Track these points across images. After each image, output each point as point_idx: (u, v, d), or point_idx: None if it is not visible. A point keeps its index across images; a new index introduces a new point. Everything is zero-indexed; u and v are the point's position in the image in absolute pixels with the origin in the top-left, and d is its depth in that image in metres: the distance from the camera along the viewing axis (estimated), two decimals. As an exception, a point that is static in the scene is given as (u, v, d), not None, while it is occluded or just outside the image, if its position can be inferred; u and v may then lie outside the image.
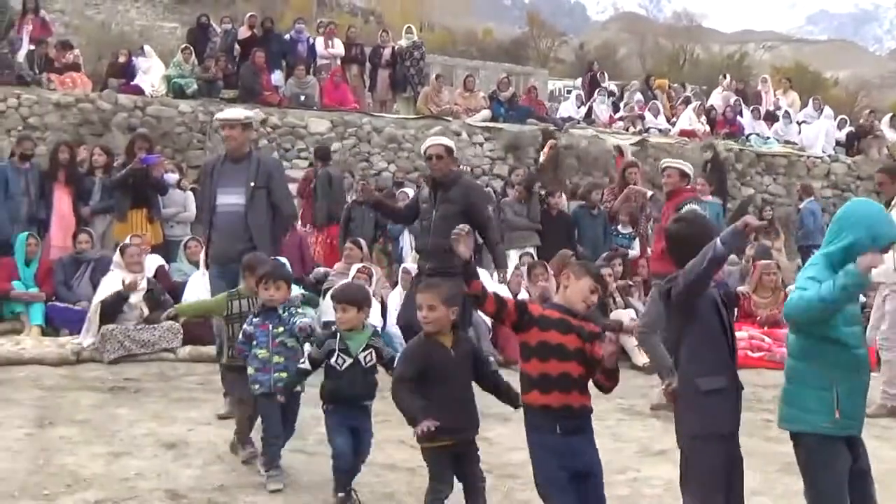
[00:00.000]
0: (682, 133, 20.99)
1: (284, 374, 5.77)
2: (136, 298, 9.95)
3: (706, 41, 64.17)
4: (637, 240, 13.81)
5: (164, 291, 10.41)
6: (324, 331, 5.77)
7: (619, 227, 13.78)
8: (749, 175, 20.32)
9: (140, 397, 8.13)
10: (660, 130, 21.28)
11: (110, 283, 10.00)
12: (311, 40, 19.81)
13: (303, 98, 18.08)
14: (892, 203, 8.88)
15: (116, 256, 10.30)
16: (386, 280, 11.86)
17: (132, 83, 17.37)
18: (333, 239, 13.70)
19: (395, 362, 5.08)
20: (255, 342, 5.86)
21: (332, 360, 5.38)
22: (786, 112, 22.58)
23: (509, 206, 14.22)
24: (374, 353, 5.45)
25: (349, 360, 5.38)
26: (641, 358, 10.77)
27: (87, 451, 6.39)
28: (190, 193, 13.16)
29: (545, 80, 30.42)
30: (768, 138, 21.59)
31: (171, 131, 16.34)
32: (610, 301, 11.62)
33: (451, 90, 20.51)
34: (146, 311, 9.97)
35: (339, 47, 19.52)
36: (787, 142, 21.82)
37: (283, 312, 5.91)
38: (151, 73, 17.74)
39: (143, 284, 10.05)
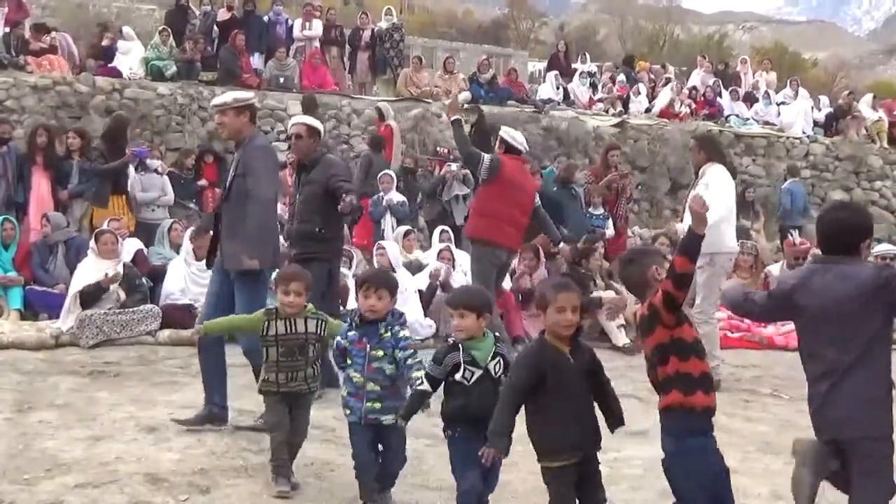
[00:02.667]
0: (663, 114, 21.02)
1: (378, 405, 5.01)
2: (114, 284, 9.92)
3: (686, 22, 64.33)
4: (610, 220, 13.87)
5: (141, 276, 10.38)
6: (441, 344, 5.11)
7: (591, 209, 13.80)
8: (728, 156, 20.36)
9: (120, 381, 8.10)
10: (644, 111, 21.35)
11: (86, 271, 9.95)
12: (290, 22, 19.72)
13: (282, 80, 18.02)
14: (699, 173, 9.11)
15: (92, 242, 10.25)
16: (367, 263, 11.86)
17: (110, 65, 17.25)
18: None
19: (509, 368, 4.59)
20: (350, 361, 5.09)
21: (459, 375, 4.65)
22: (765, 93, 22.65)
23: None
24: (501, 362, 4.73)
25: (478, 373, 4.66)
26: (622, 339, 10.84)
27: (66, 435, 6.37)
28: (166, 178, 13.12)
29: (525, 62, 30.43)
30: (748, 119, 21.66)
31: (149, 114, 16.25)
32: (591, 284, 11.66)
33: (430, 72, 20.48)
34: (122, 296, 9.94)
35: (317, 28, 19.42)
36: (766, 123, 21.89)
37: (385, 332, 5.06)
38: (130, 56, 17.62)
39: (119, 269, 10.01)
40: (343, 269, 10.71)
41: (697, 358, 4.25)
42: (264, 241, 6.58)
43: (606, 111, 20.86)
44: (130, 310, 9.78)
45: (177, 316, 9.80)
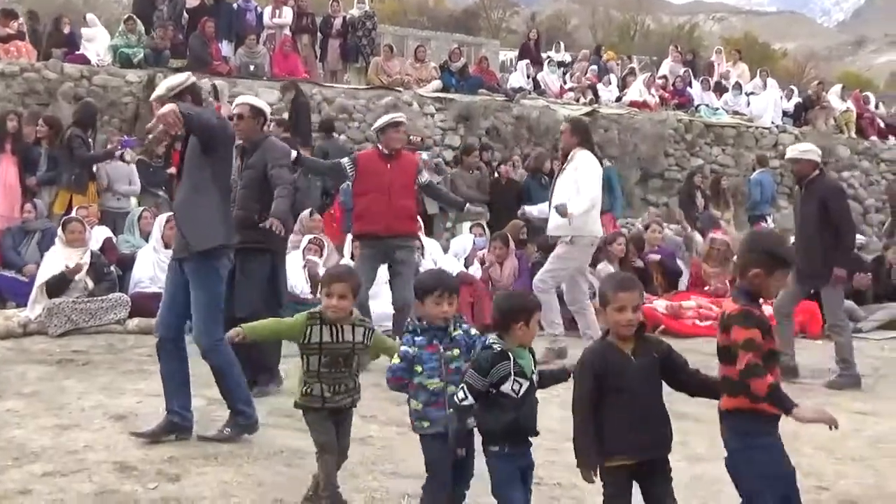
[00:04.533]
0: (633, 104, 21.08)
1: None
2: (79, 274, 9.86)
3: (657, 12, 64.55)
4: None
5: (110, 264, 10.32)
6: (484, 352, 4.41)
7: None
8: (698, 146, 20.46)
9: (88, 370, 8.06)
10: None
11: (53, 259, 9.89)
12: (260, 9, 19.62)
13: (252, 68, 17.92)
14: (569, 156, 9.19)
15: (59, 231, 10.18)
16: (337, 253, 11.84)
17: (78, 52, 17.10)
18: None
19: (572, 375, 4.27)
20: (421, 369, 4.54)
21: (507, 387, 4.28)
22: (736, 83, 22.75)
23: (459, 177, 14.26)
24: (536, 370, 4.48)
25: (526, 384, 4.32)
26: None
27: (34, 423, 6.33)
28: (134, 166, 13.05)
29: (496, 51, 30.34)
30: (717, 109, 21.75)
31: (117, 101, 16.12)
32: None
33: (402, 60, 20.43)
34: (90, 285, 9.89)
35: (287, 16, 19.33)
36: (735, 113, 21.99)
37: (454, 330, 4.64)
38: (97, 43, 17.47)
39: (87, 259, 9.94)
40: (313, 258, 10.71)
41: (774, 367, 4.11)
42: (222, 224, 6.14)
43: (577, 100, 20.89)
44: (99, 298, 9.74)
45: (146, 304, 9.75)
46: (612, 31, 52.08)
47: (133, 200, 12.99)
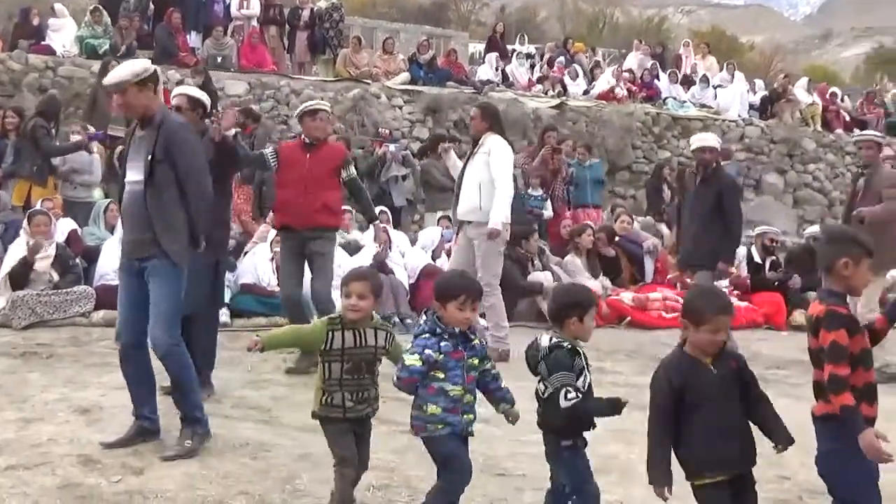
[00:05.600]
0: (601, 96, 21.13)
1: (471, 417, 4.52)
2: (43, 265, 9.76)
3: (625, 5, 64.64)
4: (549, 201, 13.98)
5: (75, 256, 10.25)
6: (557, 350, 4.35)
7: (531, 190, 13.88)
8: (665, 138, 20.56)
9: (52, 363, 8.00)
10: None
11: (17, 253, 9.81)
12: (228, 0, 19.50)
13: (220, 59, 17.83)
14: (480, 141, 9.14)
15: (25, 223, 10.10)
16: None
17: (43, 43, 16.96)
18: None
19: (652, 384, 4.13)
20: (444, 374, 4.41)
21: (580, 382, 4.32)
22: (703, 76, 22.85)
23: (433, 166, 14.24)
24: None
25: (590, 377, 4.41)
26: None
27: (-3, 417, 6.29)
28: (96, 156, 12.95)
29: (465, 43, 30.39)
30: (685, 102, 21.85)
31: (83, 92, 15.97)
32: (529, 264, 11.71)
33: (370, 52, 20.39)
34: (55, 277, 9.81)
35: (255, 7, 19.24)
36: (702, 105, 22.10)
37: (474, 339, 4.56)
38: (63, 33, 17.34)
39: (52, 251, 9.87)
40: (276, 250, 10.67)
41: (864, 369, 4.06)
42: (187, 238, 5.86)
43: (546, 93, 20.92)
44: (64, 291, 9.67)
45: (111, 297, 9.64)
46: (581, 24, 52.16)
47: (97, 192, 12.89)
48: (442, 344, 4.40)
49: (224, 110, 7.26)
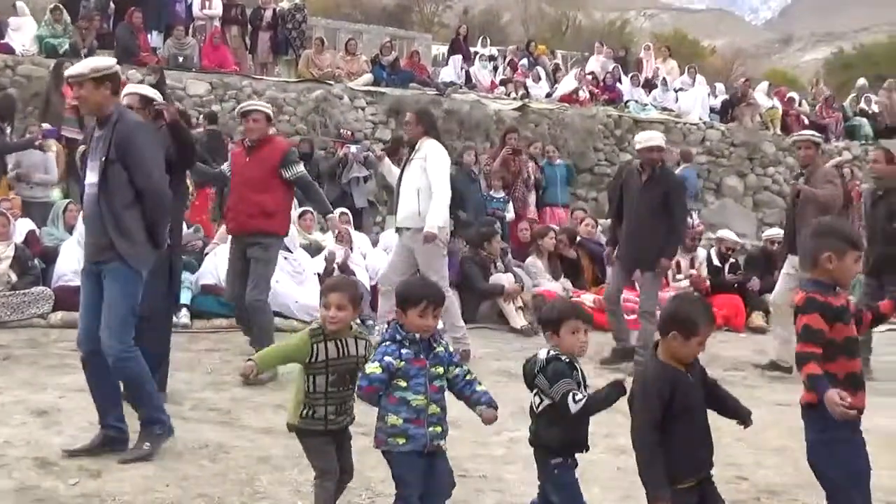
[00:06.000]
0: (563, 99, 21.21)
1: (439, 429, 4.36)
2: (2, 267, 9.67)
3: (588, 8, 64.85)
4: (511, 203, 14.03)
5: (33, 257, 10.16)
6: (555, 362, 4.29)
7: (493, 192, 13.92)
8: (627, 141, 20.61)
9: (9, 364, 7.93)
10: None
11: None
12: (189, 0, 19.40)
13: (181, 59, 17.73)
14: (417, 146, 9.03)
15: (-18, 225, 10.00)
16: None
17: (2, 42, 16.79)
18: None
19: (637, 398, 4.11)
20: (405, 383, 4.29)
21: (574, 398, 4.20)
22: (663, 79, 22.99)
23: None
24: None
25: (585, 394, 4.25)
26: (520, 321, 10.97)
27: (-47, 419, 6.23)
28: (51, 154, 12.82)
29: (429, 45, 30.37)
30: (646, 105, 21.97)
31: (42, 92, 15.84)
32: (491, 266, 11.74)
33: (333, 53, 20.35)
34: (13, 278, 9.71)
35: (217, 7, 19.15)
36: (664, 109, 22.23)
37: (438, 347, 4.43)
38: (22, 32, 17.17)
39: (10, 252, 9.77)
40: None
41: (847, 358, 4.13)
42: (145, 241, 5.72)
43: (508, 95, 20.97)
44: (21, 292, 9.58)
45: (69, 298, 9.59)
46: (545, 27, 52.29)
47: (56, 192, 12.77)
48: (403, 351, 4.28)
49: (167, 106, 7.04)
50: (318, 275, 10.72)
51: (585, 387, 4.30)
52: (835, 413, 3.88)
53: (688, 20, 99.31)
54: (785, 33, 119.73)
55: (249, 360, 4.65)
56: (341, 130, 16.96)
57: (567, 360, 4.27)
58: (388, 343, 4.33)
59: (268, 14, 19.48)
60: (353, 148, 14.81)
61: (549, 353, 4.31)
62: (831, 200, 9.11)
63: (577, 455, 4.36)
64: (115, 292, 5.61)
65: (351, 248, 11.34)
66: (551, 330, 4.33)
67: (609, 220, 15.42)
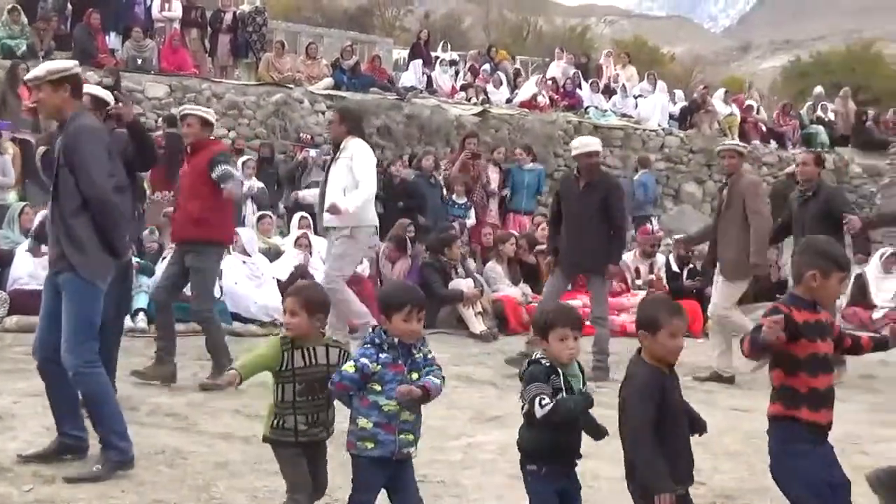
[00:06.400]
0: (524, 105, 21.27)
1: (411, 437, 4.26)
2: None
3: (549, 14, 65.17)
4: (472, 209, 14.06)
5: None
6: (534, 366, 4.20)
7: (455, 197, 13.94)
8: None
9: (-37, 369, 7.85)
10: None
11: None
12: (149, 2, 19.27)
13: (140, 62, 17.61)
14: (342, 145, 8.96)
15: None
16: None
17: (-43, 43, 16.62)
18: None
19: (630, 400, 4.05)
20: (380, 387, 4.19)
21: (541, 403, 4.09)
22: (622, 86, 23.12)
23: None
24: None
25: (551, 401, 4.10)
26: (479, 326, 10.99)
27: None
28: (7, 158, 12.70)
29: (390, 49, 30.35)
30: (606, 111, 22.08)
31: (-1, 93, 15.71)
32: (452, 271, 11.77)
33: (293, 57, 20.29)
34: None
35: (176, 9, 19.05)
36: (623, 115, 22.36)
37: (418, 353, 4.32)
38: (-22, 33, 16.99)
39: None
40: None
41: (807, 374, 4.07)
42: (100, 250, 5.50)
43: (469, 100, 21.00)
44: (-23, 297, 9.49)
45: (25, 302, 9.51)
46: (506, 32, 52.42)
47: (12, 194, 12.65)
48: (381, 355, 4.20)
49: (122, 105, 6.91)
50: (278, 280, 10.70)
51: (572, 392, 4.16)
52: (767, 335, 3.92)
53: (648, 27, 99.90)
54: (743, 41, 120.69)
55: (231, 368, 4.53)
56: (301, 134, 16.92)
57: (548, 364, 4.16)
58: (367, 346, 4.27)
59: (228, 17, 19.43)
60: (313, 152, 14.78)
61: (534, 356, 4.27)
62: (767, 222, 9.37)
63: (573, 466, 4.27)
64: (68, 305, 5.45)
65: (310, 253, 11.32)
66: (540, 336, 4.26)
67: (549, 228, 15.58)
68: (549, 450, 4.15)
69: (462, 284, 11.51)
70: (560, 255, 9.51)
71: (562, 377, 4.13)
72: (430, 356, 4.37)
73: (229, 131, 17.00)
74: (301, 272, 10.73)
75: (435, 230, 12.52)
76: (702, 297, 12.64)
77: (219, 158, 7.94)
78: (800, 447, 4.06)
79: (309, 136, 16.80)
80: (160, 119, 15.72)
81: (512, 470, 4.65)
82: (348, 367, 4.21)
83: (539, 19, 58.16)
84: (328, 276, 8.73)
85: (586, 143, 9.46)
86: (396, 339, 4.22)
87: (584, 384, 4.25)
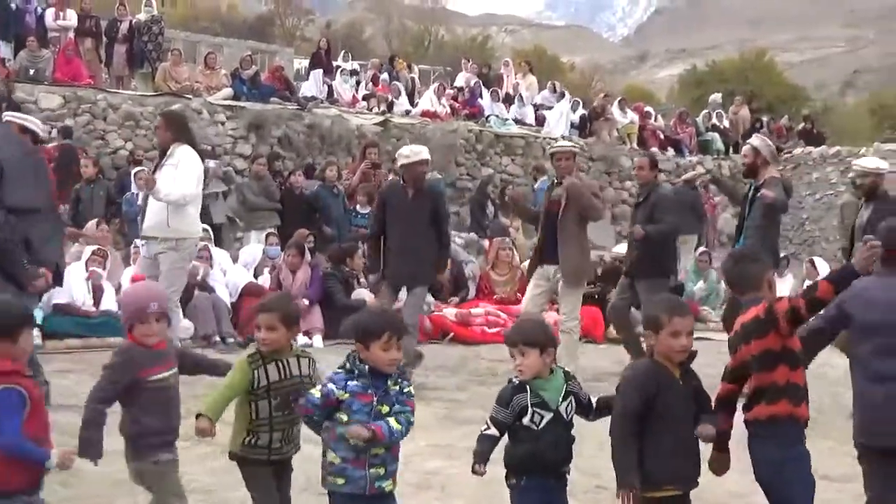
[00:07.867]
0: (425, 114, 21.33)
1: (383, 471, 4.06)
2: None
3: (451, 23, 65.51)
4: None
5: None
6: (507, 384, 4.24)
7: (358, 207, 13.92)
8: (489, 155, 20.84)
9: None
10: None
11: None
12: (41, 10, 18.86)
13: (33, 72, 17.21)
14: (169, 152, 8.74)
15: None
16: (121, 262, 11.52)
17: None
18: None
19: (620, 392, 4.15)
20: (346, 418, 4.02)
21: (527, 420, 4.12)
22: (520, 95, 23.32)
23: (247, 187, 14.15)
24: (573, 402, 4.26)
25: (548, 416, 4.13)
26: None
27: None
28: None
29: (291, 59, 30.26)
30: (507, 120, 22.24)
31: None
32: (354, 281, 11.74)
33: (191, 67, 20.06)
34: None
35: (71, 18, 18.68)
36: (522, 123, 22.54)
37: (394, 385, 4.13)
38: None
39: None
40: (97, 269, 10.40)
41: (789, 367, 4.21)
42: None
43: (370, 109, 20.98)
44: None
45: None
46: (407, 41, 52.60)
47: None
48: (350, 383, 4.03)
49: None
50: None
51: (542, 410, 4.14)
52: (862, 264, 4.09)
53: (547, 36, 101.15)
54: (641, 50, 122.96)
55: (199, 415, 4.26)
56: (200, 145, 16.69)
57: (517, 382, 4.18)
58: (339, 370, 4.11)
59: (124, 26, 19.09)
60: (212, 163, 14.58)
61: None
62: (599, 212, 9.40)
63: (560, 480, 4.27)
64: None
65: (210, 265, 11.18)
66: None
67: (471, 234, 15.63)
68: (527, 463, 4.14)
69: (365, 294, 11.47)
70: (386, 269, 9.09)
71: (528, 393, 4.13)
72: (406, 390, 4.18)
73: (126, 142, 16.70)
74: (200, 284, 10.60)
75: (339, 241, 12.48)
76: (603, 303, 12.78)
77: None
78: (803, 449, 4.20)
79: (208, 147, 16.60)
80: (54, 130, 15.36)
81: (417, 479, 4.63)
82: (314, 392, 4.09)
83: (440, 28, 58.43)
84: (169, 298, 7.86)
85: (417, 152, 9.16)
86: (367, 368, 4.04)
87: (565, 395, 4.22)
